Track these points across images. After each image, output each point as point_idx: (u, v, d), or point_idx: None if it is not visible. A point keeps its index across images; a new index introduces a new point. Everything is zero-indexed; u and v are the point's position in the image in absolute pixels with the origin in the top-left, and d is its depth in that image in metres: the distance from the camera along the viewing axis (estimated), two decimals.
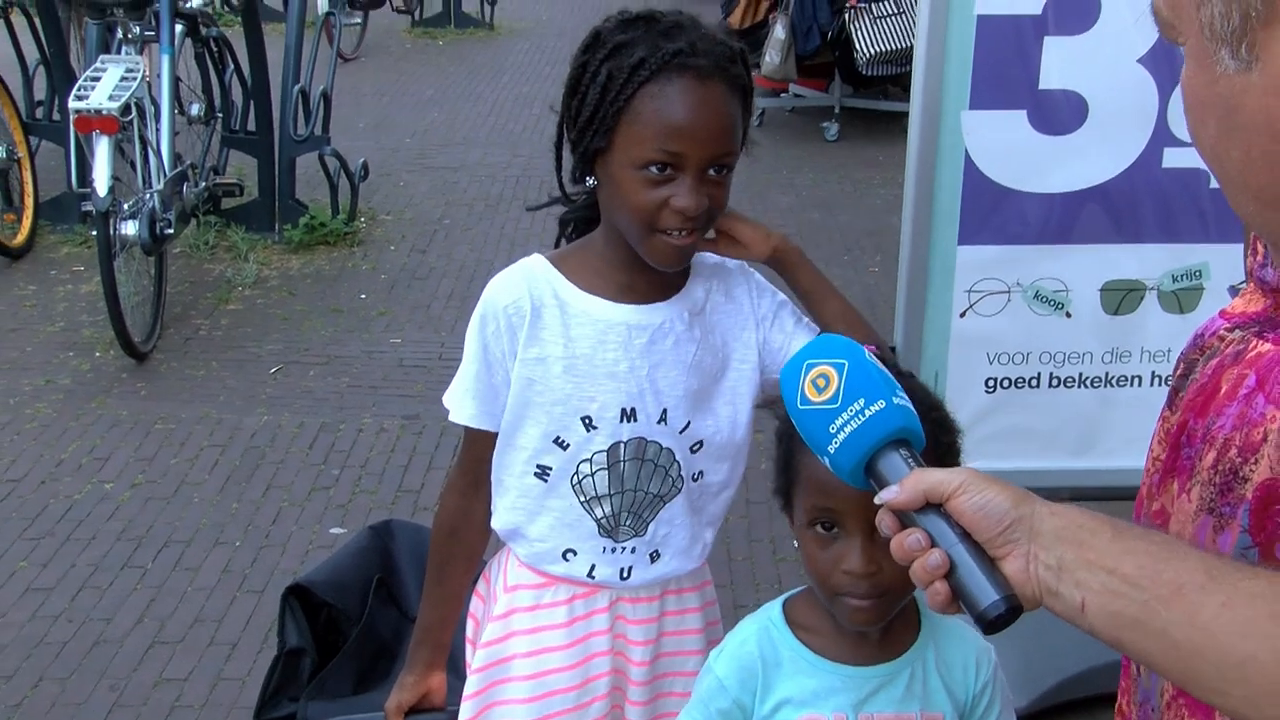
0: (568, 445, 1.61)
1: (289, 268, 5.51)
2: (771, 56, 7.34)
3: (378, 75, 9.28)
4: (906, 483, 0.99)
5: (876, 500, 1.01)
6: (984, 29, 2.61)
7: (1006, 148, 2.68)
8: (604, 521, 1.64)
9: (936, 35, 2.63)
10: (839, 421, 1.02)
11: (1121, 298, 2.76)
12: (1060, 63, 2.61)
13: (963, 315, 2.80)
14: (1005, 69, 2.63)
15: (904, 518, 1.00)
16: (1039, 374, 2.82)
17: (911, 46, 8.49)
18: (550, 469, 1.63)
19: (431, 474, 3.79)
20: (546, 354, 1.60)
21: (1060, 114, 2.65)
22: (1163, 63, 2.58)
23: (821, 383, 1.04)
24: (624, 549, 1.66)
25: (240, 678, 2.86)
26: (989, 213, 2.72)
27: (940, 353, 2.83)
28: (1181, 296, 2.77)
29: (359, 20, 9.61)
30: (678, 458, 1.63)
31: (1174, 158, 2.64)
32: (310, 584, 2.35)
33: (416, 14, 11.35)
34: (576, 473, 1.62)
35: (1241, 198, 0.78)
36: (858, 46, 7.16)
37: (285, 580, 3.29)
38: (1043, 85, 2.62)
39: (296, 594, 2.31)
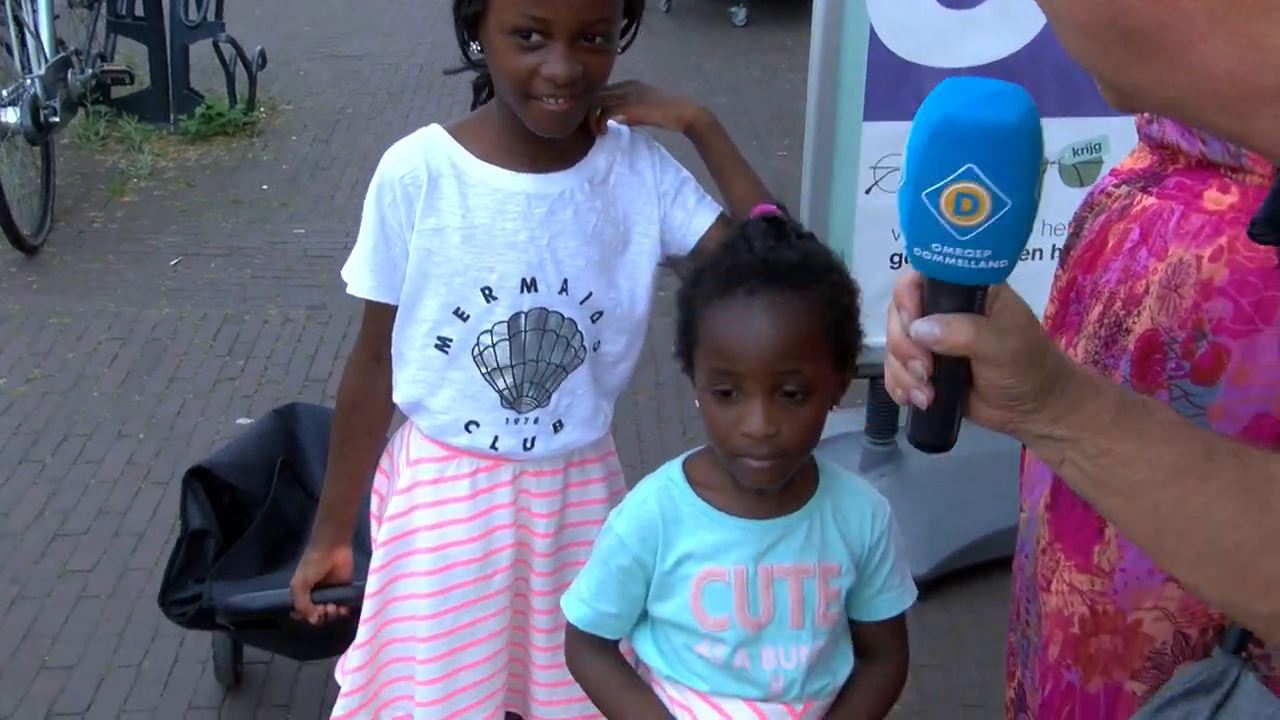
0: (468, 317, 1.60)
1: (186, 159, 5.34)
2: None
3: None
4: (952, 330, 0.88)
5: (912, 331, 0.90)
6: None
7: (911, 22, 2.67)
8: (506, 393, 1.64)
9: None
10: (950, 250, 0.84)
11: None
12: None
13: (868, 192, 2.81)
14: None
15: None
16: None
17: None
18: (451, 340, 1.62)
19: (338, 362, 3.74)
20: (444, 224, 1.58)
21: None
22: None
23: (968, 205, 0.82)
24: (527, 419, 1.66)
25: (147, 568, 2.83)
26: (894, 89, 2.72)
27: (846, 230, 2.85)
28: (1081, 170, 2.81)
29: None
30: (579, 328, 1.62)
31: None
32: (213, 466, 2.34)
33: None
34: (477, 344, 1.61)
35: (1069, 34, 0.77)
36: None
37: None
38: None
39: (199, 476, 2.30)
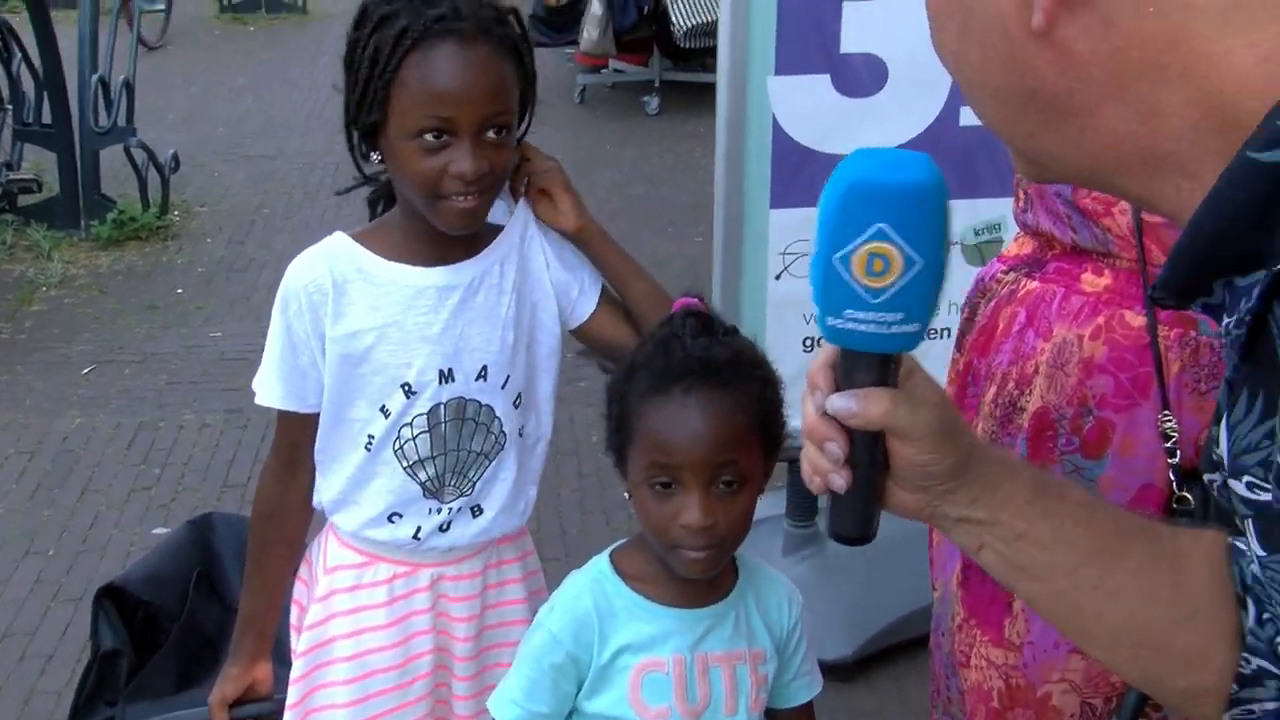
0: (389, 413, 1.60)
1: (98, 265, 5.29)
2: (590, 32, 7.34)
3: (187, 63, 8.95)
4: (869, 406, 0.87)
5: (829, 406, 0.89)
6: None
7: (812, 112, 2.74)
8: (428, 484, 1.64)
9: (740, 3, 2.67)
10: (862, 315, 0.84)
11: None
12: (859, 27, 2.67)
13: (778, 278, 2.86)
14: (807, 34, 2.68)
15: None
16: None
17: None
18: (374, 437, 1.62)
19: (257, 467, 3.68)
20: (356, 327, 1.58)
21: (861, 77, 2.72)
22: None
23: (879, 265, 0.82)
24: (449, 508, 1.66)
25: (57, 690, 2.74)
26: (797, 176, 2.78)
27: (758, 315, 2.88)
28: (984, 249, 2.87)
29: (162, 6, 9.25)
30: (498, 414, 1.63)
31: (971, 116, 2.70)
32: (125, 583, 2.28)
33: None
34: (398, 438, 1.61)
35: (982, 99, 0.80)
36: (674, 19, 7.22)
37: None
38: (843, 49, 2.68)
39: (110, 595, 2.24)
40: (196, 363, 4.40)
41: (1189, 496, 1.25)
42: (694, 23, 7.22)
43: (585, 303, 1.69)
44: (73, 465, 3.74)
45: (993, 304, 1.45)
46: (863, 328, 0.85)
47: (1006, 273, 1.45)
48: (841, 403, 0.88)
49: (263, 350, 1.65)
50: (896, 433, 0.88)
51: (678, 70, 7.79)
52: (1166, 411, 1.25)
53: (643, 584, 1.40)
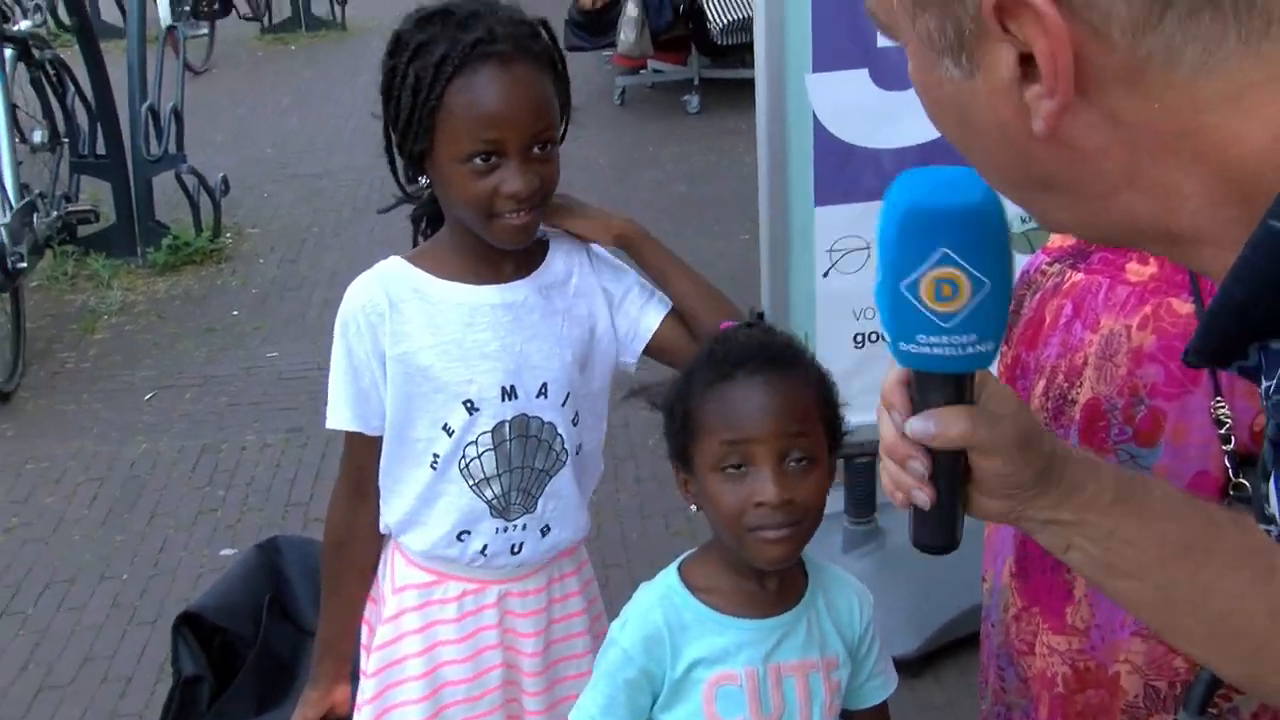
0: (453, 431, 1.63)
1: (155, 291, 5.38)
2: (626, 34, 7.35)
3: (231, 86, 9.08)
4: (948, 424, 0.87)
5: (907, 430, 0.89)
6: None
7: (852, 107, 2.73)
8: (495, 502, 1.66)
9: (775, 2, 2.67)
10: (936, 339, 0.84)
11: None
12: None
13: (825, 275, 2.86)
14: (843, 30, 2.68)
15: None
16: None
17: None
18: (439, 456, 1.64)
19: (319, 485, 3.75)
20: (416, 346, 1.61)
21: (900, 70, 2.68)
22: None
23: (948, 290, 0.82)
24: (515, 526, 1.67)
25: (137, 713, 2.81)
26: (841, 172, 2.78)
27: (807, 313, 2.88)
28: (1032, 237, 2.84)
29: (205, 31, 9.37)
30: (560, 431, 1.65)
31: None
32: (201, 610, 2.32)
33: (265, 20, 11.10)
34: (463, 456, 1.64)
35: (992, 180, 0.79)
36: (710, 17, 7.21)
37: (179, 608, 3.22)
38: (880, 43, 2.67)
39: (187, 622, 2.29)
40: (255, 383, 4.47)
41: (1246, 483, 1.25)
42: (730, 19, 7.21)
43: (647, 318, 1.70)
44: (141, 490, 3.81)
45: (1038, 296, 1.45)
46: (938, 351, 0.84)
47: (1051, 264, 1.45)
48: (921, 425, 0.88)
49: (319, 369, 1.68)
50: (978, 448, 0.88)
51: (716, 68, 7.79)
52: (1219, 398, 1.26)
53: (712, 596, 1.41)
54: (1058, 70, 0.66)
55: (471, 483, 1.64)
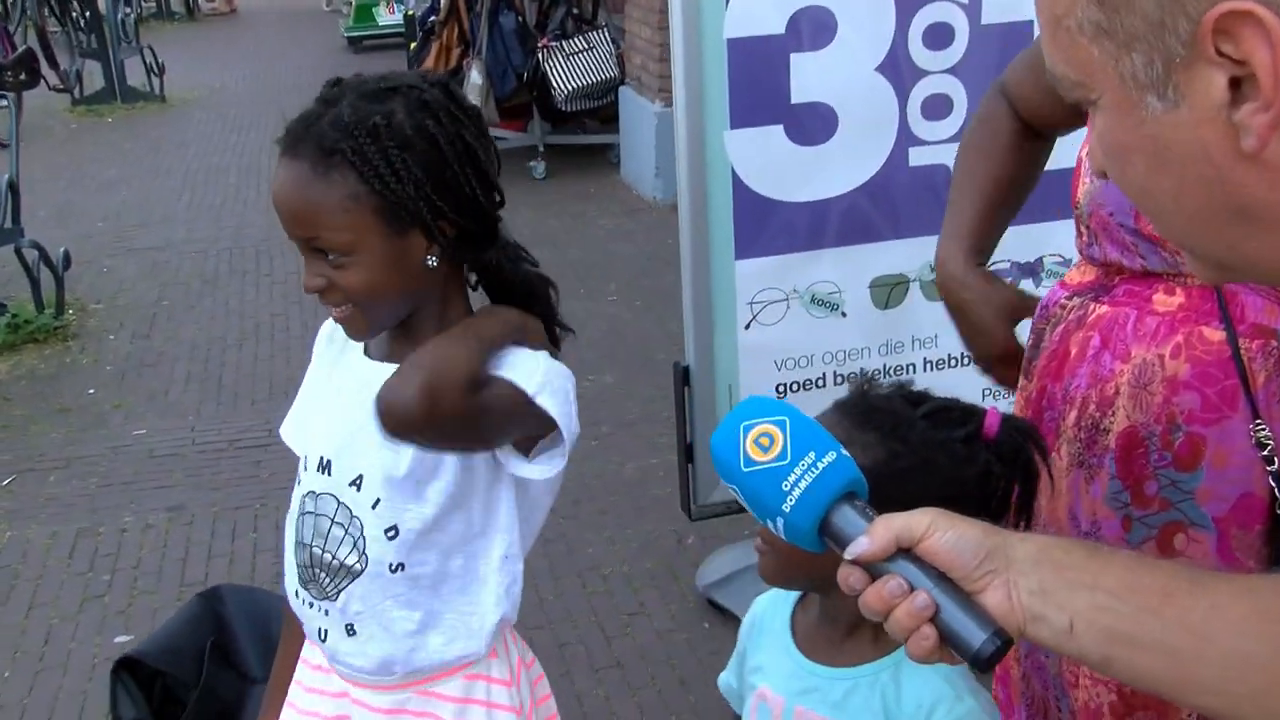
0: (300, 476, 1.56)
1: None
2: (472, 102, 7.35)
3: (45, 159, 8.68)
4: (876, 531, 0.92)
5: (848, 555, 0.94)
6: (735, 51, 2.74)
7: (768, 162, 2.81)
8: (302, 571, 1.54)
9: (693, 62, 2.73)
10: (792, 478, 0.95)
11: (889, 292, 2.95)
12: (808, 77, 2.77)
13: (747, 327, 2.91)
14: (759, 87, 2.77)
15: (872, 569, 0.93)
16: (823, 374, 2.96)
17: (607, 79, 8.62)
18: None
19: (214, 562, 3.59)
20: (310, 379, 1.62)
21: (813, 125, 2.81)
22: (898, 69, 2.78)
23: (765, 441, 0.97)
24: (319, 609, 1.52)
25: None
26: (760, 225, 2.85)
27: (731, 366, 2.93)
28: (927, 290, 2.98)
29: (5, 103, 8.95)
30: (366, 533, 1.47)
31: (918, 156, 2.85)
32: (141, 655, 2.37)
33: (76, 91, 10.70)
34: (295, 505, 1.56)
35: (1175, 222, 0.82)
36: (554, 84, 7.29)
37: (76, 703, 3.05)
38: (795, 100, 2.77)
39: (127, 667, 2.27)
40: (125, 463, 4.25)
41: None
42: (574, 86, 7.30)
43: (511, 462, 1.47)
44: (13, 581, 3.57)
45: (1060, 329, 1.50)
46: (806, 490, 0.95)
47: (1070, 298, 1.50)
48: (859, 549, 0.92)
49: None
50: (910, 535, 0.91)
51: (558, 133, 7.87)
52: (1259, 420, 1.28)
53: (800, 615, 1.44)
54: (1277, 80, 0.69)
55: (293, 538, 1.54)
